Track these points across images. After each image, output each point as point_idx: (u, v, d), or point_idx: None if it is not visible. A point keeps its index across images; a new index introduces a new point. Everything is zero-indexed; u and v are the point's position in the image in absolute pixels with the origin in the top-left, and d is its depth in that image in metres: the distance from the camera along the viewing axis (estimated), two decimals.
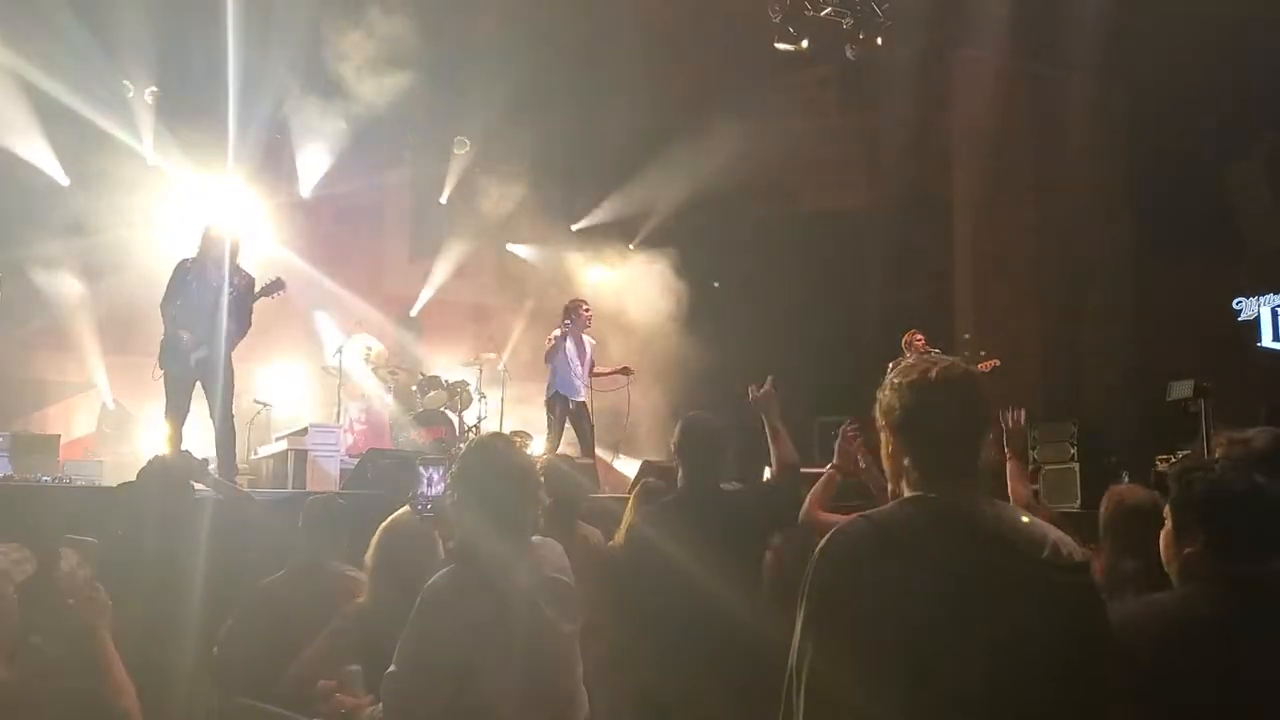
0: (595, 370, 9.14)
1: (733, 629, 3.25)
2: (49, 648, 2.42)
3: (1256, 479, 2.15)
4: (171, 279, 6.68)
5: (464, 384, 10.38)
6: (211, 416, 6.61)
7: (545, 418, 9.00)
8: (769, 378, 3.89)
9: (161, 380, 6.60)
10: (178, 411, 6.57)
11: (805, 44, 9.93)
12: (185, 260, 6.73)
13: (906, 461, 1.91)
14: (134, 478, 4.28)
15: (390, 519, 3.44)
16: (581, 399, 8.92)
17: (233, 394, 6.74)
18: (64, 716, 2.41)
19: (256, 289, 6.82)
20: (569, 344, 8.85)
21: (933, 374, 1.90)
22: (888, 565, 1.78)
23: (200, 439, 6.71)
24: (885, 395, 1.95)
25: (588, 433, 8.93)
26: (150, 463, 4.30)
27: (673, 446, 3.76)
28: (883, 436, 1.98)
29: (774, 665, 3.39)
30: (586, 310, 9.03)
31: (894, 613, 1.75)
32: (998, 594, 1.76)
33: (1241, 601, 2.06)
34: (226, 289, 6.55)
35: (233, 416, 6.75)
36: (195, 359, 6.49)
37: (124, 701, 2.50)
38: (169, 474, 4.22)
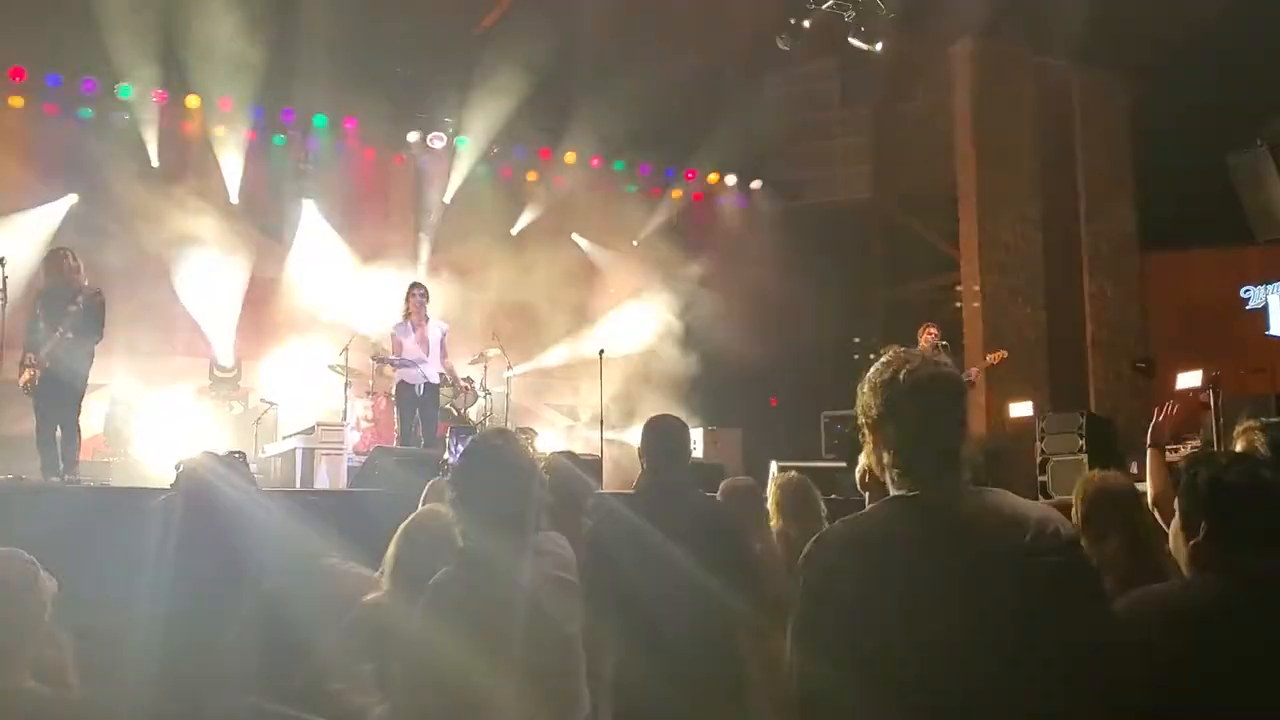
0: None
1: (700, 617, 3.25)
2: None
3: (1262, 472, 2.15)
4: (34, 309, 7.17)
5: (469, 381, 10.36)
6: (58, 420, 7.02)
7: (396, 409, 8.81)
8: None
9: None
10: (44, 421, 7.03)
11: (806, 24, 9.96)
12: (37, 290, 7.27)
13: (886, 459, 1.94)
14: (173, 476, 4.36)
15: (411, 516, 3.42)
16: (434, 382, 8.74)
17: (79, 399, 7.13)
18: None
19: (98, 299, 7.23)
20: (414, 332, 8.65)
21: (900, 374, 1.92)
22: (863, 569, 1.82)
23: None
24: (863, 395, 1.97)
25: (433, 420, 8.81)
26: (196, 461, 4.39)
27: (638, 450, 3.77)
28: (864, 435, 2.00)
29: (741, 652, 3.40)
30: (412, 294, 8.75)
31: (872, 616, 1.77)
32: (973, 588, 1.77)
33: (1244, 592, 2.05)
34: (72, 307, 7.00)
35: (78, 420, 7.16)
36: (39, 376, 6.94)
37: None
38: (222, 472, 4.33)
